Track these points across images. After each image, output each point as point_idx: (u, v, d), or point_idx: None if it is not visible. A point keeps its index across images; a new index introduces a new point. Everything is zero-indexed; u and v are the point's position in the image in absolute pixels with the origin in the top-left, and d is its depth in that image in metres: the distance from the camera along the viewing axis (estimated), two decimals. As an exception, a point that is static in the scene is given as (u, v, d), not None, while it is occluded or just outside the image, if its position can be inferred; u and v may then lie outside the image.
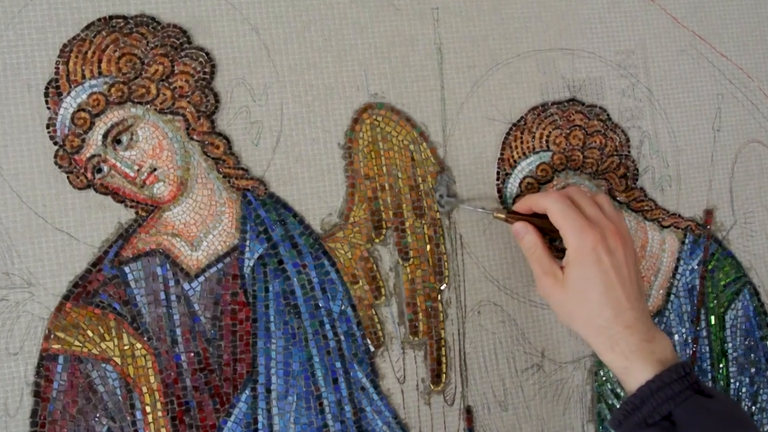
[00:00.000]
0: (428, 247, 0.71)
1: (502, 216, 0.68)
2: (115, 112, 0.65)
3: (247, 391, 0.66)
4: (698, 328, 0.76)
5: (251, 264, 0.67)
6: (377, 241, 0.70)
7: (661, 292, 0.76)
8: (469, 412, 0.70)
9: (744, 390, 0.77)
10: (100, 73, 0.65)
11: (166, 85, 0.66)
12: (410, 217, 0.71)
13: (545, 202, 0.66)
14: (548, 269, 0.65)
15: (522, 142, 0.74)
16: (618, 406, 0.68)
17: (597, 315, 0.62)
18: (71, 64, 0.64)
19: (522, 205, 0.69)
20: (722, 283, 0.77)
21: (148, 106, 0.66)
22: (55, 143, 0.64)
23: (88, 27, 0.65)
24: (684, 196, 0.77)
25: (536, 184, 0.74)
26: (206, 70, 0.67)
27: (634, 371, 0.60)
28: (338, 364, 0.68)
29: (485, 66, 0.73)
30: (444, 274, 0.71)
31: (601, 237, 0.63)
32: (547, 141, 0.74)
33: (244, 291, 0.67)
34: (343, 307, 0.68)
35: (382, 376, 0.69)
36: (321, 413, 0.67)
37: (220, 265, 0.66)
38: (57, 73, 0.64)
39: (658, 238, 0.77)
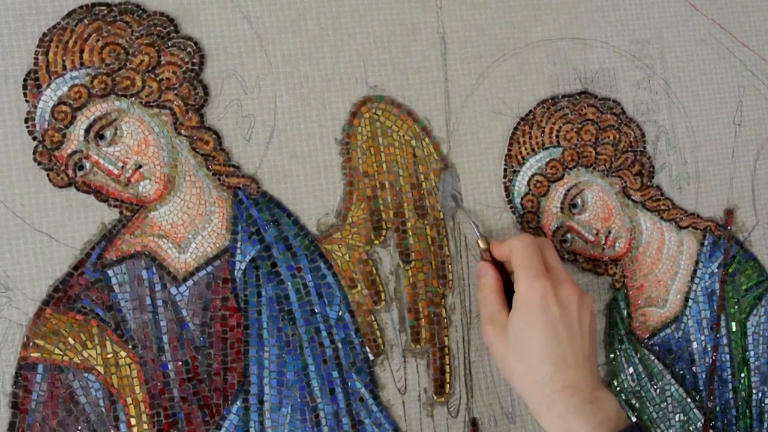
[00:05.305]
0: (431, 249, 0.70)
1: (483, 246, 0.67)
2: (97, 105, 0.64)
3: (238, 403, 0.65)
4: (718, 335, 0.75)
5: (243, 267, 0.66)
6: (377, 242, 0.69)
7: (678, 296, 0.75)
8: (474, 424, 0.69)
9: (767, 401, 0.76)
10: (81, 64, 0.64)
11: (153, 76, 0.65)
12: (412, 217, 0.70)
13: (515, 241, 0.64)
14: (494, 316, 0.63)
15: (530, 138, 0.73)
16: None
17: (536, 370, 0.60)
18: (51, 54, 0.63)
19: (496, 251, 0.67)
20: (744, 287, 0.76)
21: (133, 99, 0.65)
22: (34, 138, 0.63)
23: (69, 15, 0.64)
24: (703, 195, 0.76)
25: (545, 182, 0.73)
26: (195, 60, 0.66)
27: None
28: (335, 374, 0.67)
29: (491, 56, 0.73)
30: (447, 278, 0.70)
31: (553, 288, 0.61)
32: (557, 136, 0.73)
33: (235, 296, 0.66)
34: (340, 313, 0.68)
35: (381, 386, 0.68)
36: (317, 426, 0.66)
37: (209, 269, 0.66)
38: (36, 64, 0.63)
39: (676, 239, 0.76)
